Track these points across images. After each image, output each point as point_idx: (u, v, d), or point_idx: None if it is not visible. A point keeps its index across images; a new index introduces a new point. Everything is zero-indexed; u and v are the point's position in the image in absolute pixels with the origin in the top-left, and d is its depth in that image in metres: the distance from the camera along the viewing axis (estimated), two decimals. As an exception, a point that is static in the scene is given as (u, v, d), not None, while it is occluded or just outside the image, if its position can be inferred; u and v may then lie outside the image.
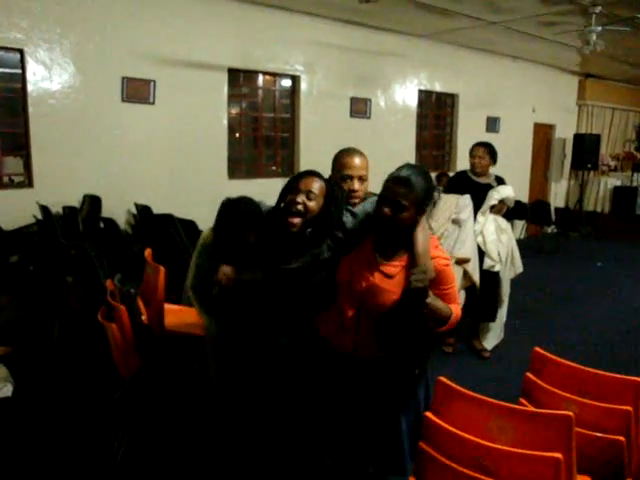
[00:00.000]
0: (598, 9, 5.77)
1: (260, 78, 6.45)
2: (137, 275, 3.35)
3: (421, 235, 1.95)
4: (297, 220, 1.96)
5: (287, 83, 6.66)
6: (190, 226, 4.51)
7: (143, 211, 5.15)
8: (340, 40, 6.74)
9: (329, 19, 6.56)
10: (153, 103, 5.50)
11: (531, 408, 1.51)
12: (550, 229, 9.64)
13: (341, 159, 2.33)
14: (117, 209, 5.29)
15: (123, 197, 5.35)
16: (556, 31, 6.97)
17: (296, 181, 2.04)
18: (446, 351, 4.46)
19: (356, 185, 2.28)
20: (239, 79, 6.25)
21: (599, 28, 5.90)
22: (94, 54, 5.09)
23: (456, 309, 1.98)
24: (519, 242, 9.48)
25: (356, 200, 2.28)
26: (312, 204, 1.98)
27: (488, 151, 4.36)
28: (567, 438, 1.48)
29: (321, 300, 2.11)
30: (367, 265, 1.97)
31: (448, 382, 1.68)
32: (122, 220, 5.40)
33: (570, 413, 1.49)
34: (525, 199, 9.59)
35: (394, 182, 1.89)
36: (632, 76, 10.54)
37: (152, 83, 5.46)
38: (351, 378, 2.04)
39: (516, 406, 1.56)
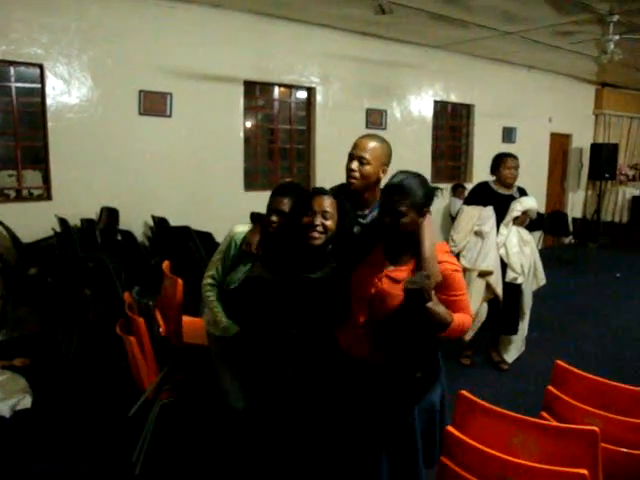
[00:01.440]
0: (615, 18, 5.72)
1: (276, 90, 6.49)
2: (155, 287, 3.37)
3: (427, 239, 1.99)
4: (318, 235, 2.08)
5: (303, 95, 6.69)
6: (207, 238, 4.53)
7: (160, 223, 5.18)
8: (355, 51, 6.77)
9: (345, 31, 6.59)
10: (170, 116, 5.55)
11: (555, 423, 1.48)
12: (568, 240, 9.53)
13: (356, 141, 2.38)
14: (134, 221, 5.33)
15: (140, 209, 5.39)
16: (572, 40, 6.93)
17: (305, 201, 2.14)
18: (464, 363, 4.41)
19: (354, 165, 2.31)
20: (255, 91, 6.30)
21: (617, 37, 5.86)
22: (112, 68, 5.16)
23: (463, 318, 1.96)
24: (537, 253, 9.40)
25: (353, 181, 2.32)
26: (329, 223, 2.09)
27: (518, 162, 4.33)
28: (593, 454, 1.45)
29: (338, 311, 2.13)
30: (376, 271, 2.02)
31: (470, 396, 1.65)
32: (139, 232, 5.44)
33: (595, 428, 1.45)
34: (542, 210, 9.51)
35: (389, 191, 1.96)
36: (649, 85, 10.46)
37: (169, 96, 5.51)
38: (366, 384, 2.06)
39: (540, 420, 1.53)
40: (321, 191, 2.19)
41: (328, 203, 2.11)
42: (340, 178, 2.67)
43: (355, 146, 2.34)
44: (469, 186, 8.08)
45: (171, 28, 5.46)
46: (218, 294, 2.32)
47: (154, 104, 5.45)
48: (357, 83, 6.90)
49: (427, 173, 7.68)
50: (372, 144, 2.34)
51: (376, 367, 2.04)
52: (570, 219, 8.98)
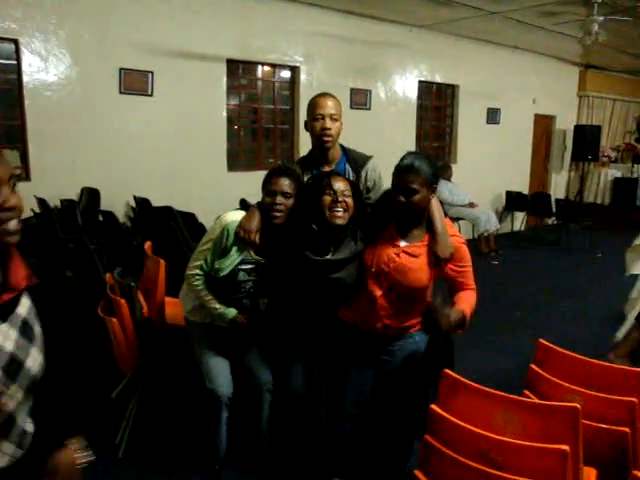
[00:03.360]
0: (600, -1, 5.71)
1: (259, 69, 6.40)
2: (137, 268, 3.33)
3: (437, 214, 2.13)
4: (341, 213, 2.09)
5: (286, 74, 6.61)
6: (189, 218, 4.48)
7: (142, 204, 5.11)
8: (340, 30, 6.68)
9: (329, 9, 6.50)
10: (151, 95, 5.46)
11: (537, 400, 1.49)
12: (551, 220, 9.61)
13: (313, 101, 2.44)
14: (116, 202, 5.25)
15: (122, 190, 5.31)
16: (557, 21, 6.91)
17: (322, 181, 2.15)
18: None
19: (328, 123, 2.38)
20: (238, 70, 6.20)
21: (601, 18, 5.85)
22: (91, 45, 5.04)
23: (472, 301, 2.16)
24: (519, 234, 9.52)
25: (328, 139, 2.39)
26: (350, 201, 2.12)
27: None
28: (574, 430, 1.47)
29: (348, 292, 2.20)
30: (392, 247, 2.12)
31: (453, 374, 1.66)
32: (121, 213, 5.37)
33: (577, 405, 1.47)
34: (525, 190, 9.57)
35: (401, 171, 2.06)
36: (633, 67, 10.48)
37: (150, 74, 5.41)
38: (381, 353, 2.20)
39: (522, 398, 1.54)
40: (332, 172, 2.25)
41: (344, 183, 2.15)
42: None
43: (321, 106, 2.40)
44: (454, 166, 8.12)
45: (152, 5, 5.34)
46: (206, 282, 2.27)
47: (135, 82, 5.35)
48: (341, 62, 6.83)
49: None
50: (335, 101, 2.45)
51: (387, 337, 2.18)
52: (553, 200, 9.04)
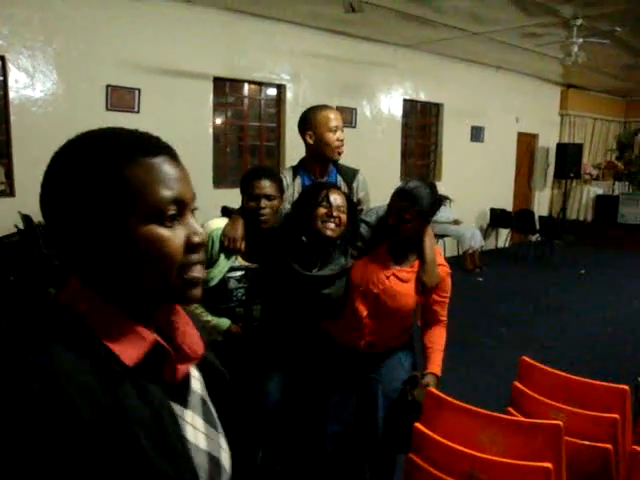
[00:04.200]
0: (579, 22, 5.85)
1: (246, 87, 6.44)
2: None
3: (428, 244, 2.13)
4: (335, 226, 2.05)
5: (273, 92, 6.66)
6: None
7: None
8: (326, 50, 6.77)
9: (315, 29, 6.58)
10: (138, 112, 5.46)
11: (520, 418, 1.50)
12: (534, 237, 9.72)
13: (325, 114, 2.43)
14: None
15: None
16: (538, 42, 7.05)
17: (320, 193, 2.09)
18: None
19: (342, 135, 2.43)
20: (224, 88, 6.24)
21: (580, 40, 5.99)
22: (78, 62, 5.05)
23: (444, 335, 2.21)
24: (503, 250, 9.60)
25: (342, 151, 2.43)
26: (344, 217, 2.08)
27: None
28: (557, 447, 1.48)
29: (334, 308, 2.18)
30: (382, 269, 2.10)
31: (437, 392, 1.66)
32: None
33: (559, 422, 1.48)
34: (510, 208, 9.67)
35: (399, 195, 2.04)
36: (613, 87, 10.71)
37: (137, 92, 5.42)
38: (365, 371, 2.17)
39: (506, 416, 1.55)
40: (332, 185, 2.21)
41: (342, 198, 2.10)
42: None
43: (336, 118, 2.43)
44: (439, 184, 8.18)
45: (140, 22, 5.37)
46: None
47: (122, 99, 5.35)
48: (327, 81, 6.90)
49: (396, 171, 7.75)
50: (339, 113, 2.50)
51: (371, 355, 2.15)
52: (537, 217, 9.15)
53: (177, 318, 0.81)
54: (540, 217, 9.24)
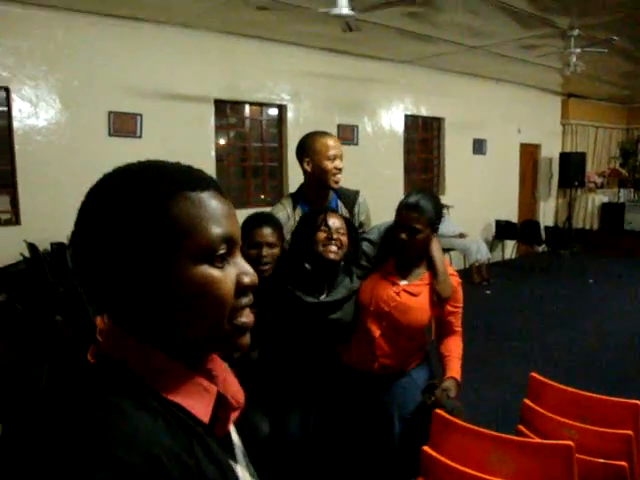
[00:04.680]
0: (576, 32, 5.87)
1: (247, 108, 6.49)
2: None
3: (437, 253, 2.13)
4: (337, 249, 2.03)
5: (274, 112, 6.70)
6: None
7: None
8: (325, 68, 6.82)
9: (313, 48, 6.64)
10: (140, 137, 5.51)
11: (530, 439, 1.48)
12: (541, 248, 9.67)
13: (323, 141, 2.38)
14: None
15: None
16: (537, 54, 7.08)
17: (317, 218, 2.08)
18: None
19: (340, 163, 2.37)
20: (226, 110, 6.29)
21: (578, 50, 6.00)
22: (80, 90, 5.11)
23: (460, 344, 2.18)
24: (510, 262, 9.55)
25: (340, 179, 2.38)
26: (344, 239, 2.06)
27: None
28: (568, 468, 1.45)
29: (345, 333, 2.15)
30: (391, 286, 2.09)
31: (445, 414, 1.64)
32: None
33: (570, 443, 1.45)
34: (515, 219, 9.64)
35: (406, 208, 2.05)
36: (613, 95, 10.71)
37: (138, 117, 5.47)
38: (378, 394, 2.14)
39: (515, 437, 1.52)
40: (329, 209, 2.20)
41: (340, 221, 2.09)
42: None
43: (334, 146, 2.37)
44: (442, 198, 8.18)
45: (139, 48, 5.44)
46: None
47: (124, 125, 5.41)
48: (328, 99, 6.94)
49: (400, 186, 7.75)
50: (338, 140, 2.46)
51: (384, 377, 2.12)
52: (542, 227, 9.11)
53: (215, 365, 0.74)
54: (546, 227, 9.20)
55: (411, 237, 2.02)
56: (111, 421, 0.58)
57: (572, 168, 9.91)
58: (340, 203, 2.46)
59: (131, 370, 0.65)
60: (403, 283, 2.10)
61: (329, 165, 2.33)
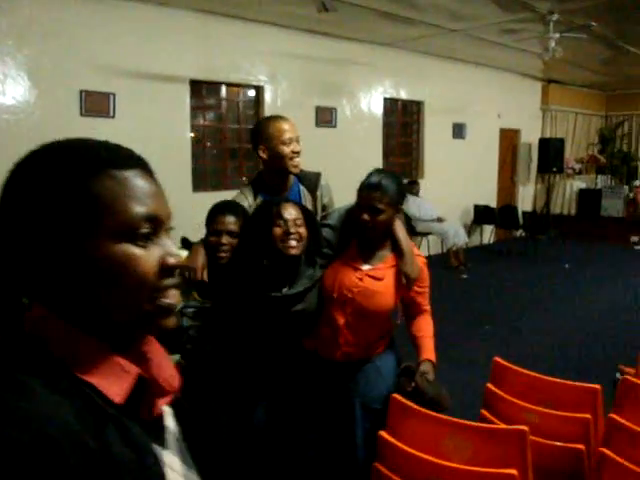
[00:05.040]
0: (555, 17, 5.86)
1: (223, 89, 6.39)
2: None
3: (402, 234, 2.08)
4: (296, 243, 1.98)
5: (251, 94, 6.61)
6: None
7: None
8: (303, 50, 6.72)
9: (291, 29, 6.54)
10: (113, 117, 5.39)
11: (485, 424, 1.48)
12: (518, 233, 9.74)
13: (277, 125, 2.30)
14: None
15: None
16: (516, 38, 7.07)
17: (271, 211, 2.01)
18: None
19: (297, 146, 2.30)
20: (202, 91, 6.18)
21: (557, 35, 6.00)
22: (50, 67, 4.97)
23: (430, 322, 2.16)
24: (488, 247, 9.61)
25: (299, 162, 2.31)
26: (302, 230, 2.00)
27: None
28: (522, 453, 1.45)
29: (310, 323, 2.11)
30: (354, 271, 2.04)
31: (401, 399, 1.63)
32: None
33: (524, 428, 1.46)
34: (493, 204, 9.69)
35: (367, 188, 2.00)
36: (593, 81, 10.76)
37: (112, 96, 5.35)
38: (343, 381, 2.09)
39: (470, 422, 1.52)
40: (282, 200, 2.12)
41: (296, 211, 2.02)
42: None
43: (289, 129, 2.29)
44: (421, 182, 8.19)
45: (113, 26, 5.29)
46: None
47: (97, 105, 5.28)
48: (306, 81, 6.86)
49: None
50: (294, 124, 2.36)
51: (348, 365, 2.08)
52: (520, 212, 9.17)
53: (150, 348, 0.72)
54: (523, 212, 9.26)
55: (373, 218, 1.97)
56: (10, 398, 0.56)
57: (551, 154, 9.96)
58: (302, 187, 2.41)
59: (49, 349, 0.63)
60: (366, 268, 2.05)
61: (286, 150, 2.26)
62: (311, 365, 2.13)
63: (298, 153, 2.30)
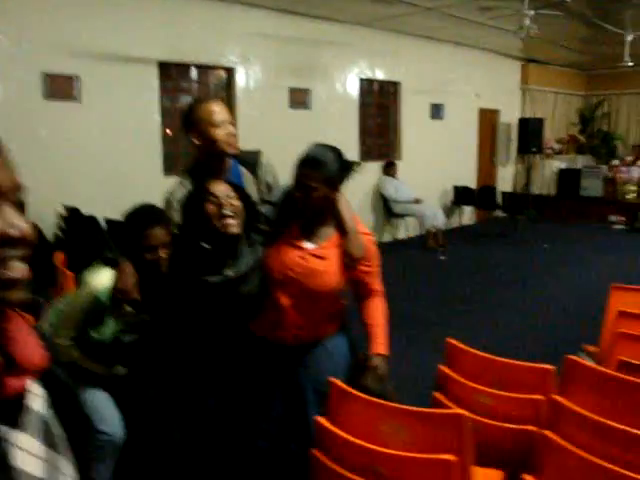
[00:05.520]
0: (530, -7, 5.79)
1: (194, 71, 6.26)
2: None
3: (346, 212, 1.99)
4: (233, 221, 1.92)
5: (222, 76, 6.48)
6: (121, 226, 4.32)
7: (71, 213, 4.93)
8: (276, 30, 6.59)
9: (263, 8, 6.40)
10: (79, 100, 5.27)
11: (422, 409, 1.43)
12: (499, 213, 9.73)
13: (205, 109, 2.21)
14: (45, 213, 5.04)
15: (52, 200, 5.09)
16: (493, 15, 6.98)
17: (200, 191, 1.97)
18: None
19: (232, 128, 2.22)
20: (171, 73, 6.04)
21: (532, 12, 5.93)
22: (10, 48, 4.83)
23: (382, 307, 2.07)
24: (467, 228, 9.60)
25: (236, 145, 2.23)
26: (237, 203, 1.95)
27: None
28: (460, 438, 1.41)
29: (255, 305, 2.05)
30: (297, 250, 1.96)
31: (339, 383, 1.59)
32: (51, 224, 5.16)
33: (462, 412, 1.42)
34: (473, 185, 9.65)
35: (300, 165, 1.90)
36: (573, 61, 10.72)
37: (76, 79, 5.22)
38: (294, 365, 2.04)
39: (406, 407, 1.48)
40: (214, 178, 2.05)
41: (225, 186, 1.97)
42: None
43: (218, 112, 2.19)
44: (399, 163, 8.13)
45: (77, 5, 5.14)
46: (81, 347, 2.06)
47: (61, 88, 5.15)
48: (279, 62, 6.74)
49: (355, 151, 7.63)
50: (223, 105, 2.29)
51: (299, 348, 2.02)
52: (500, 193, 9.15)
53: (13, 326, 0.67)
54: (503, 193, 9.24)
55: (306, 196, 1.88)
56: None
57: (530, 134, 9.92)
58: (242, 168, 2.33)
59: None
60: (309, 246, 1.96)
61: (218, 132, 2.17)
62: (261, 351, 2.07)
63: (234, 134, 2.21)
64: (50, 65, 5.05)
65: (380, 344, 2.01)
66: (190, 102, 2.32)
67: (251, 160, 2.36)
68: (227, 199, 1.92)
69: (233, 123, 2.24)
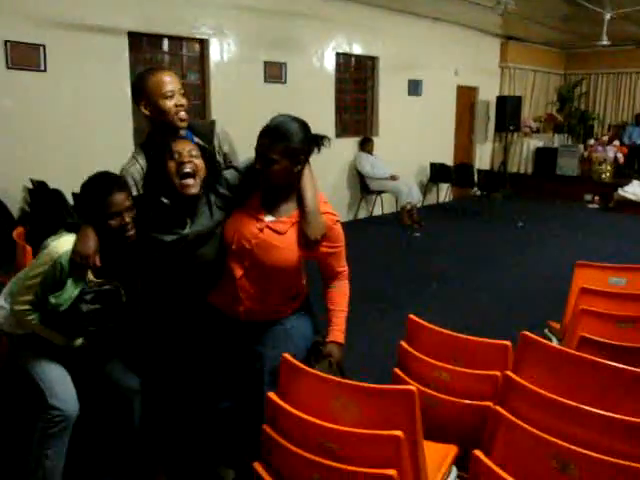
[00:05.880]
0: (507, -33, 5.73)
1: (165, 43, 6.10)
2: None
3: (309, 190, 1.93)
4: (192, 181, 1.89)
5: (195, 48, 6.33)
6: (81, 197, 4.23)
7: (38, 187, 4.81)
8: (251, 1, 6.44)
9: (238, -21, 6.25)
10: (45, 70, 5.11)
11: (373, 385, 1.42)
12: (475, 191, 9.76)
13: (155, 79, 2.13)
14: (11, 186, 4.92)
15: (18, 173, 4.97)
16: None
17: (163, 148, 1.93)
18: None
19: (182, 99, 2.15)
20: (142, 44, 5.88)
21: (509, -13, 5.89)
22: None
23: (345, 290, 2.05)
24: (444, 205, 9.62)
25: (186, 116, 2.16)
26: (199, 161, 1.92)
27: None
28: (410, 414, 1.40)
29: (213, 272, 2.02)
30: (255, 221, 1.91)
31: (291, 359, 1.57)
32: (19, 198, 5.04)
33: (412, 388, 1.40)
34: (450, 162, 9.64)
35: (261, 135, 1.85)
36: (552, 39, 10.69)
37: (42, 48, 5.05)
38: (249, 342, 2.01)
39: (357, 383, 1.46)
40: (179, 136, 2.05)
41: (188, 144, 1.95)
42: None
43: (169, 82, 2.12)
44: (376, 139, 8.07)
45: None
46: (41, 316, 2.02)
47: (25, 57, 4.98)
48: (254, 35, 6.60)
49: (331, 127, 7.55)
50: (176, 75, 2.21)
51: (253, 325, 1.99)
52: (476, 171, 9.16)
53: None
54: (479, 171, 9.25)
55: (266, 168, 1.83)
56: None
57: (508, 112, 9.93)
58: (197, 139, 2.27)
59: None
60: (268, 219, 1.91)
61: (168, 104, 2.10)
62: (217, 323, 2.04)
63: (183, 106, 2.14)
64: (13, 33, 4.87)
65: (337, 331, 1.99)
66: (140, 71, 2.22)
67: (206, 130, 2.30)
68: (189, 156, 1.90)
69: (184, 94, 2.16)
